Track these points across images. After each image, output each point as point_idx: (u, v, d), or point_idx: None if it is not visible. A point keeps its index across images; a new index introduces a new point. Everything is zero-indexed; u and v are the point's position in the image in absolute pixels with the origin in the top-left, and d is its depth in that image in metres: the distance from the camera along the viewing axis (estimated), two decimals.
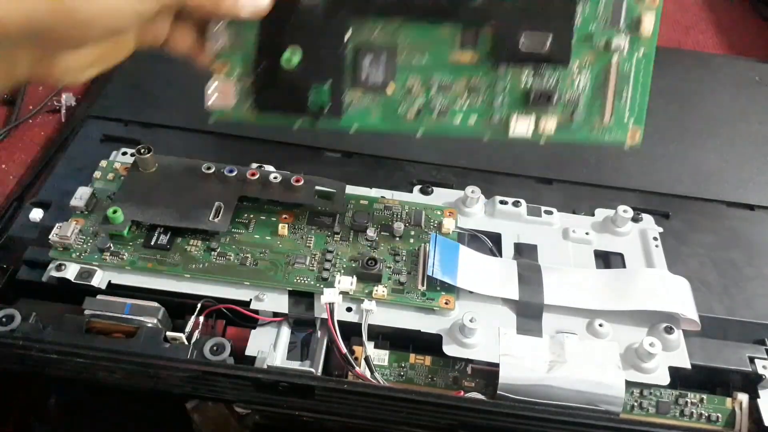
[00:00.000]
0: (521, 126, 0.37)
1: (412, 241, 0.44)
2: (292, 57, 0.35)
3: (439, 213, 0.46)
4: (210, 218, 0.42)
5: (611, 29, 0.36)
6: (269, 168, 0.47)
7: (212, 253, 0.42)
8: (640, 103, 0.37)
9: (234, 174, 0.44)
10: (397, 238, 0.44)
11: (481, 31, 0.36)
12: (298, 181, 0.44)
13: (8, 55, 0.30)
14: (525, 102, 0.37)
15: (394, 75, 0.37)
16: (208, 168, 0.45)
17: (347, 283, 0.40)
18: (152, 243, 0.42)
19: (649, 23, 0.36)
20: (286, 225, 0.44)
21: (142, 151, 0.44)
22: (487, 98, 0.37)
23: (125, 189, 0.43)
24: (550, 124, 0.37)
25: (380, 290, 0.41)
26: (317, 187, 0.45)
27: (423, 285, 0.41)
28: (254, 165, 0.47)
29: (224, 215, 0.43)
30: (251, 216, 0.44)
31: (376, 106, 0.37)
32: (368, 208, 0.46)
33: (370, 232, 0.44)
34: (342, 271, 0.42)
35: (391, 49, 0.36)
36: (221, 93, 0.37)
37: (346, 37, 0.36)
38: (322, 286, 0.41)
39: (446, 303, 0.41)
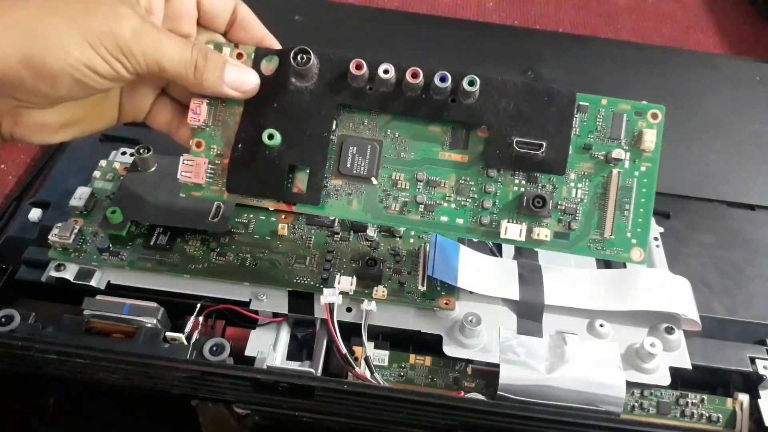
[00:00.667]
0: (513, 231, 0.34)
1: (412, 240, 0.44)
2: (274, 135, 0.34)
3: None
4: (210, 218, 0.42)
5: (611, 143, 0.34)
6: None
7: (212, 253, 0.42)
8: (643, 223, 0.34)
9: None
10: (398, 238, 0.44)
11: (473, 132, 0.35)
12: None
13: None
14: (517, 207, 0.34)
15: (379, 167, 0.35)
16: None
17: (347, 283, 0.40)
18: (152, 243, 0.42)
19: (650, 139, 0.34)
20: (286, 225, 0.44)
21: (142, 151, 0.44)
22: (477, 199, 0.35)
23: (124, 189, 0.43)
24: (544, 233, 0.34)
25: (380, 290, 0.41)
26: None
27: (423, 285, 0.41)
28: None
29: (224, 215, 0.43)
30: (251, 216, 0.44)
31: (358, 197, 0.35)
32: None
33: (370, 232, 0.44)
34: (342, 271, 0.42)
35: (378, 141, 0.35)
36: (193, 171, 0.35)
37: (333, 125, 0.35)
38: (322, 286, 0.41)
39: (446, 303, 0.41)
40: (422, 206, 0.35)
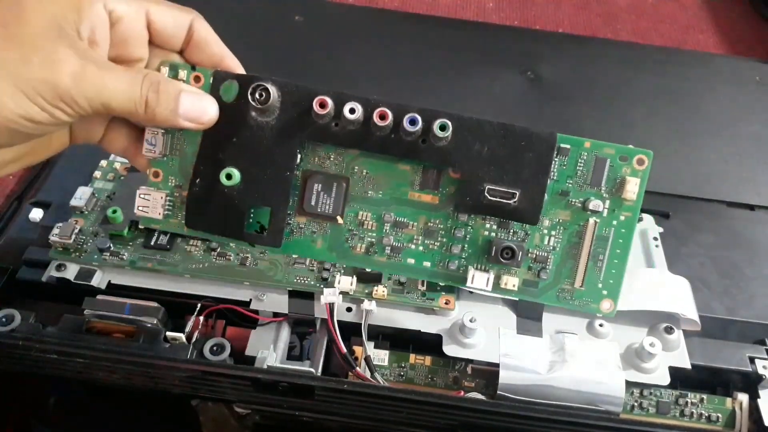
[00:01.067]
0: (479, 280, 0.33)
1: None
2: (232, 175, 0.32)
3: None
4: None
5: (591, 189, 0.32)
6: None
7: (212, 253, 0.42)
8: (616, 274, 0.33)
9: None
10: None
11: (444, 174, 0.33)
12: None
13: None
14: (486, 253, 0.33)
15: (345, 206, 0.33)
16: None
17: (347, 283, 0.40)
18: (152, 243, 0.42)
19: (633, 189, 0.32)
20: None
21: None
22: (445, 243, 0.33)
23: (125, 189, 0.43)
24: (512, 282, 0.33)
25: (380, 290, 0.41)
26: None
27: (423, 285, 0.41)
28: None
29: None
30: None
31: (323, 236, 0.34)
32: None
33: None
34: (342, 271, 0.42)
35: (344, 178, 0.33)
36: (150, 205, 0.34)
37: (297, 159, 0.33)
38: (322, 286, 0.41)
39: (446, 303, 0.41)
40: (389, 248, 0.33)
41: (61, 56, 0.28)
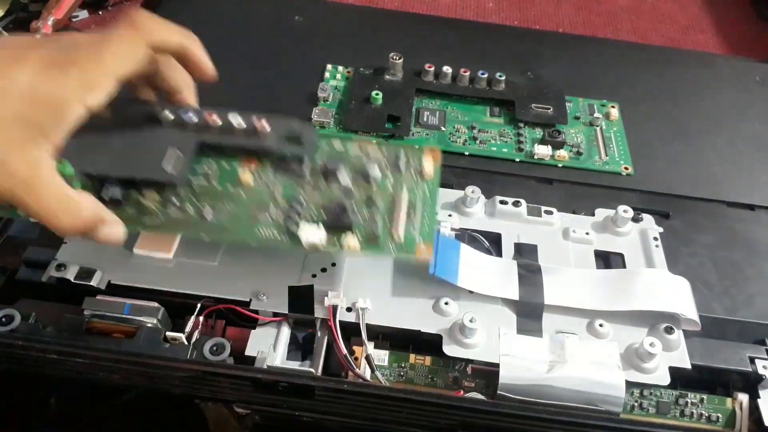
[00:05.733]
0: (541, 150, 0.54)
1: (390, 188, 0.41)
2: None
3: (418, 158, 0.42)
4: (166, 168, 0.38)
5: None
6: (228, 110, 0.41)
7: (169, 206, 0.39)
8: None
9: (192, 118, 0.39)
10: (374, 186, 0.41)
11: (502, 109, 0.59)
12: (262, 123, 0.40)
13: None
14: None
15: (445, 122, 0.57)
16: (165, 112, 0.39)
17: (313, 231, 0.38)
18: (104, 197, 0.38)
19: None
20: (251, 173, 0.40)
21: None
22: (514, 137, 0.55)
23: (76, 138, 0.36)
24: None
25: (351, 240, 0.38)
26: (284, 130, 0.41)
27: (400, 237, 0.39)
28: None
29: (182, 164, 0.39)
30: (212, 164, 0.41)
31: (432, 138, 0.56)
32: (341, 152, 0.42)
33: (343, 179, 0.40)
34: (310, 221, 0.39)
35: (442, 111, 0.58)
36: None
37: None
38: (287, 239, 0.38)
39: (423, 251, 0.38)
40: (477, 141, 0.55)
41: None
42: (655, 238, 0.47)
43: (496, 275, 0.43)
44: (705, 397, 0.41)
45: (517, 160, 0.54)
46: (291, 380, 0.36)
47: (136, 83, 0.39)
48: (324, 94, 0.58)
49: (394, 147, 0.43)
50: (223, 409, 0.40)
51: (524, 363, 0.38)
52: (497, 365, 0.38)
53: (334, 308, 0.40)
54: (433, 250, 0.42)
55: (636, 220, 0.48)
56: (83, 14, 0.68)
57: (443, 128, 0.55)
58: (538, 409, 0.35)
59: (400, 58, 0.58)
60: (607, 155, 0.54)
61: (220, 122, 0.40)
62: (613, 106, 0.59)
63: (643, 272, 0.44)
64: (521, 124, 0.56)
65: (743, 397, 0.40)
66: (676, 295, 0.42)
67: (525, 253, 0.46)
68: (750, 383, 0.41)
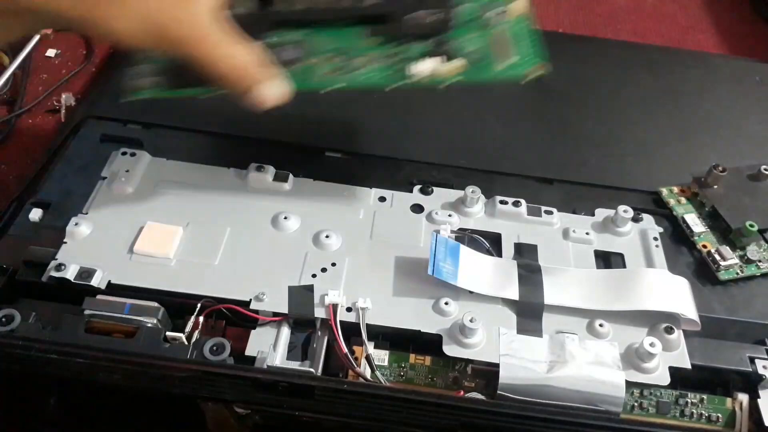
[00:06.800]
0: (424, 65, 0.40)
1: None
2: None
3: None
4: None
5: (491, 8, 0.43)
6: None
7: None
8: (535, 45, 0.42)
9: None
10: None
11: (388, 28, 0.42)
12: None
13: None
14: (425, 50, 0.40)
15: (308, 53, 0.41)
16: None
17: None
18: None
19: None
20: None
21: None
22: (393, 61, 0.41)
23: None
24: (456, 64, 0.40)
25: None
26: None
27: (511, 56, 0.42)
28: (254, 165, 0.47)
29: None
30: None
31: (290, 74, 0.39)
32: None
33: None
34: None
35: (304, 41, 0.41)
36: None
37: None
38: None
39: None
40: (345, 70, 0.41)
41: None
42: (655, 238, 0.47)
43: (496, 275, 0.43)
44: (705, 397, 0.41)
45: (386, 89, 0.41)
46: (291, 380, 0.36)
47: None
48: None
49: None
50: (223, 409, 0.40)
51: (524, 363, 0.38)
52: (497, 365, 0.38)
53: (335, 307, 0.40)
54: (432, 251, 0.42)
55: (636, 220, 0.48)
56: None
57: (303, 63, 0.41)
58: (538, 409, 0.35)
59: None
60: (512, 57, 0.42)
61: None
62: None
63: (643, 272, 0.44)
64: (401, 41, 0.42)
65: (743, 397, 0.40)
66: (676, 295, 0.42)
67: (525, 253, 0.46)
68: (750, 383, 0.41)
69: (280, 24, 0.41)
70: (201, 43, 0.34)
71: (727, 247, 0.47)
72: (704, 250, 0.47)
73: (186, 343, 0.38)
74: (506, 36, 0.42)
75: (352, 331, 0.40)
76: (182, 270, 0.42)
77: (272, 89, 0.36)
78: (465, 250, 0.43)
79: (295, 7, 0.41)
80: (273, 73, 0.37)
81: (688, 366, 0.40)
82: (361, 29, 0.42)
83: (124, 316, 0.39)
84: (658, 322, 0.41)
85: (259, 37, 0.39)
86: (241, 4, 0.39)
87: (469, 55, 0.41)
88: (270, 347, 0.39)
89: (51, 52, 0.64)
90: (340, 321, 0.40)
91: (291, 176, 0.49)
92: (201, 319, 0.40)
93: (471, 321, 0.39)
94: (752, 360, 0.41)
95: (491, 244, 0.46)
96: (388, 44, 0.42)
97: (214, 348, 0.38)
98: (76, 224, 0.43)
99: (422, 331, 0.40)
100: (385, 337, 0.41)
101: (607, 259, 0.47)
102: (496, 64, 0.41)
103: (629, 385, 0.39)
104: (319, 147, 0.53)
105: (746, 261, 0.47)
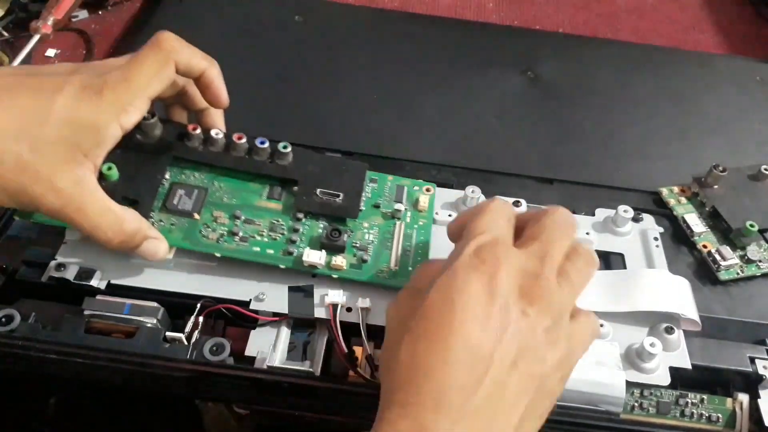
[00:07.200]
0: (314, 256, 0.40)
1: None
2: (111, 171, 0.39)
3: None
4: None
5: (396, 203, 0.44)
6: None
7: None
8: (421, 260, 0.42)
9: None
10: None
11: (286, 189, 0.43)
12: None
13: None
14: (320, 241, 0.41)
15: (202, 207, 0.42)
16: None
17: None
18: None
19: (424, 203, 0.45)
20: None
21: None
22: (286, 236, 0.41)
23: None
24: (341, 261, 0.40)
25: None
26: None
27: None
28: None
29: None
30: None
31: (179, 228, 0.41)
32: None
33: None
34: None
35: (204, 188, 0.42)
36: None
37: (165, 170, 0.42)
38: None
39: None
40: (237, 237, 0.41)
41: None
42: (656, 238, 0.47)
43: None
44: (705, 397, 0.41)
45: (282, 266, 0.40)
46: (291, 380, 0.36)
47: (168, 102, 0.42)
48: None
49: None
50: (223, 410, 0.40)
51: None
52: None
53: (335, 307, 0.40)
54: (431, 250, 0.42)
55: (636, 220, 0.48)
56: (83, 14, 0.68)
57: (196, 216, 0.41)
58: None
59: (153, 117, 0.40)
60: (398, 265, 0.41)
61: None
62: (428, 189, 0.46)
63: (643, 272, 0.44)
64: (300, 215, 0.42)
65: (743, 398, 0.40)
66: (677, 295, 0.42)
67: None
68: (750, 383, 0.41)
69: (187, 160, 0.42)
70: (80, 212, 0.35)
71: (728, 247, 0.47)
72: (704, 250, 0.48)
73: (186, 343, 0.38)
74: (401, 235, 0.43)
75: (352, 331, 0.40)
76: (182, 270, 0.42)
77: (154, 250, 0.38)
78: None
79: (208, 149, 0.42)
80: (153, 234, 0.38)
81: (689, 366, 0.40)
82: (264, 187, 0.43)
83: (123, 316, 0.39)
84: (659, 322, 0.41)
85: (163, 169, 0.42)
86: (151, 134, 0.41)
87: (360, 249, 0.42)
88: (270, 347, 0.39)
89: (51, 52, 0.64)
90: (340, 321, 0.40)
91: None
92: (201, 319, 0.40)
93: None
94: (752, 360, 0.41)
95: None
96: (284, 215, 0.42)
97: (214, 348, 0.38)
98: None
99: None
100: None
101: (607, 259, 0.47)
102: (381, 267, 0.41)
103: (629, 385, 0.39)
104: (319, 147, 0.53)
105: (746, 261, 0.47)
